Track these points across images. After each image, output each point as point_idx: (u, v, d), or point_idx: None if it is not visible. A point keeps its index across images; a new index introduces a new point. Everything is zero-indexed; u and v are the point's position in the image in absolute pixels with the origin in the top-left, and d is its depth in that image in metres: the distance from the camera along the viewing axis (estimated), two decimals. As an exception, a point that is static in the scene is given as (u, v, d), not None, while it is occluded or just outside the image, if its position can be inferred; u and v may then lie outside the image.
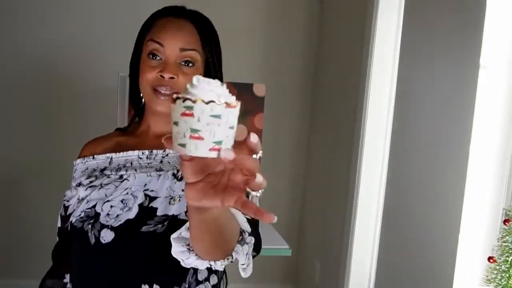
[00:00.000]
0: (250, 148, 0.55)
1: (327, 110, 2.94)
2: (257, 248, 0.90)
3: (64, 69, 2.88)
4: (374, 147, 2.29)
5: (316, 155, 3.06)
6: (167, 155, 1.07)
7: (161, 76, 1.02)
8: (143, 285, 0.97)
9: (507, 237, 1.07)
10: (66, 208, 1.11)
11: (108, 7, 2.89)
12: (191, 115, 0.52)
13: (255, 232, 0.89)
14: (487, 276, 1.09)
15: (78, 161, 1.14)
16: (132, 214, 0.99)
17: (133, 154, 1.09)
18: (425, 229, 1.96)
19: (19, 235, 2.95)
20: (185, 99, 0.52)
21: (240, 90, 2.94)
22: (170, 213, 0.98)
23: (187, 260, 0.82)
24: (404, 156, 2.17)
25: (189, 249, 0.81)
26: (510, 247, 1.06)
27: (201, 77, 0.55)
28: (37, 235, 2.83)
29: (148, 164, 1.07)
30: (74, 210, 1.06)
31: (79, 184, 1.09)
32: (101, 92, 2.85)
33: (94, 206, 1.02)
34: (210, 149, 0.53)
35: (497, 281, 1.07)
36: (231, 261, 0.83)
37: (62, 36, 2.86)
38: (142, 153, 1.08)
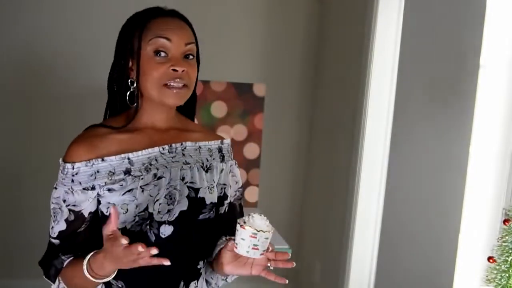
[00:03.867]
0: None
1: (327, 111, 2.94)
2: None
3: (63, 67, 2.88)
4: (374, 147, 2.29)
5: (316, 155, 3.06)
6: (185, 148, 1.17)
7: (173, 70, 1.09)
8: (200, 262, 1.18)
9: (507, 237, 1.07)
10: (76, 212, 1.09)
11: (108, 3, 2.89)
12: (255, 237, 1.00)
13: None
14: (487, 276, 1.09)
15: (79, 164, 1.09)
16: (184, 206, 1.12)
17: (153, 151, 1.13)
18: (425, 229, 1.96)
19: (19, 235, 2.95)
20: (250, 227, 1.01)
21: (240, 90, 2.93)
22: (214, 201, 1.16)
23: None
24: (404, 156, 2.17)
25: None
26: (510, 247, 1.06)
27: (256, 215, 1.03)
28: (37, 235, 2.83)
29: (172, 158, 1.15)
30: (107, 214, 1.07)
31: (93, 187, 1.08)
32: (102, 91, 2.84)
33: (146, 209, 1.09)
34: (260, 254, 1.03)
35: (497, 281, 1.07)
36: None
37: (62, 33, 2.86)
38: (163, 149, 1.15)
